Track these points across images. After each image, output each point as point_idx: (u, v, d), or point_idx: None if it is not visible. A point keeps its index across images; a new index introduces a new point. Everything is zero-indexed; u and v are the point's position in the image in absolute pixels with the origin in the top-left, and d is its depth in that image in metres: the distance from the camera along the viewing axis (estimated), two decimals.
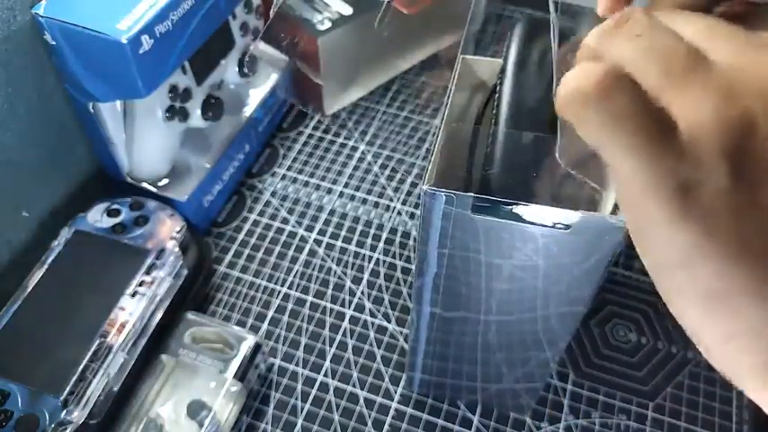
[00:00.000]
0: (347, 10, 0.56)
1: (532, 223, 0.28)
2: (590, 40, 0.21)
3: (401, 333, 0.48)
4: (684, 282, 0.20)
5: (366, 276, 0.51)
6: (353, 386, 0.45)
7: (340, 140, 0.59)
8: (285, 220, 0.54)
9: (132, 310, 0.40)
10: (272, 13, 0.53)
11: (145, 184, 0.50)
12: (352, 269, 0.51)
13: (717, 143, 0.18)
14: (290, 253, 0.52)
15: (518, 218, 0.28)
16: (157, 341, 0.42)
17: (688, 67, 0.19)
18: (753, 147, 0.18)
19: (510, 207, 0.28)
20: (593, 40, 0.21)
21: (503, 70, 0.32)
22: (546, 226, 0.28)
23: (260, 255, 0.52)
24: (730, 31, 0.20)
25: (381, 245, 0.52)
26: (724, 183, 0.18)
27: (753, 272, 0.18)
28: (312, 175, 0.57)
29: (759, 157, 0.18)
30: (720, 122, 0.18)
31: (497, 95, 0.31)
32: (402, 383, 0.45)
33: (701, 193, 0.18)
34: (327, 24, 0.55)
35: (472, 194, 0.27)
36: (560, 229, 0.28)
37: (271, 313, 0.49)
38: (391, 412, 0.44)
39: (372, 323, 0.48)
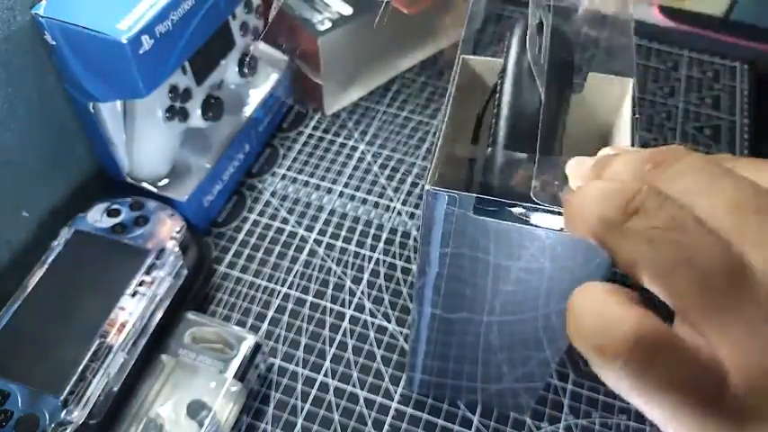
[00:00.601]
0: (347, 10, 0.56)
1: (536, 225, 0.28)
2: (588, 216, 0.17)
3: (401, 333, 0.48)
4: None
5: (366, 276, 0.51)
6: (353, 386, 0.45)
7: (340, 140, 0.59)
8: (285, 220, 0.54)
9: (132, 310, 0.40)
10: (272, 14, 0.53)
11: (145, 184, 0.50)
12: (352, 269, 0.51)
13: None
14: (290, 253, 0.52)
15: (520, 219, 0.28)
16: (157, 341, 0.42)
17: (729, 291, 0.15)
18: None
19: (512, 208, 0.28)
20: (594, 222, 0.17)
21: (503, 70, 0.32)
22: (549, 228, 0.28)
23: (260, 255, 0.52)
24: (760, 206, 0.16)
25: (381, 245, 0.52)
26: None
27: None
28: (312, 175, 0.57)
29: None
30: None
31: (498, 95, 0.31)
32: (402, 383, 0.45)
33: None
34: (327, 24, 0.55)
35: (475, 195, 0.27)
36: (561, 231, 0.28)
37: (271, 313, 0.49)
38: (391, 412, 0.44)
39: (372, 323, 0.48)
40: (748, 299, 0.15)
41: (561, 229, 0.28)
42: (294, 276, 0.51)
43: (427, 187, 0.28)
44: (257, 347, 0.43)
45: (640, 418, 0.44)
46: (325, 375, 0.46)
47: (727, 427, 0.15)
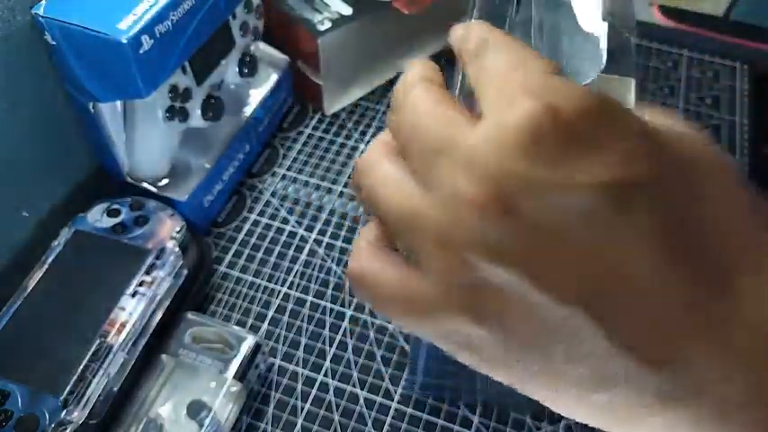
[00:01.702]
0: (347, 10, 0.56)
1: None
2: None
3: (401, 333, 0.48)
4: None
5: None
6: (353, 386, 0.45)
7: (340, 140, 0.59)
8: (285, 220, 0.54)
9: (132, 310, 0.40)
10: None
11: (145, 184, 0.50)
12: None
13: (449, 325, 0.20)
14: (290, 253, 0.52)
15: None
16: (157, 341, 0.42)
17: (436, 155, 0.20)
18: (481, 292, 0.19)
19: None
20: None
21: None
22: None
23: (260, 255, 0.52)
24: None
25: None
26: (478, 332, 0.20)
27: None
28: (312, 175, 0.57)
29: (492, 298, 0.19)
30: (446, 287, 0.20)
31: None
32: (402, 383, 0.45)
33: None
34: (327, 24, 0.55)
35: None
36: None
37: (271, 313, 0.49)
38: (391, 412, 0.44)
39: (372, 323, 0.48)
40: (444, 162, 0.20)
41: None
42: (294, 276, 0.51)
43: None
44: (257, 347, 0.43)
45: None
46: (326, 375, 0.46)
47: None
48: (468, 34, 0.22)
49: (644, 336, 0.18)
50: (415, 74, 0.22)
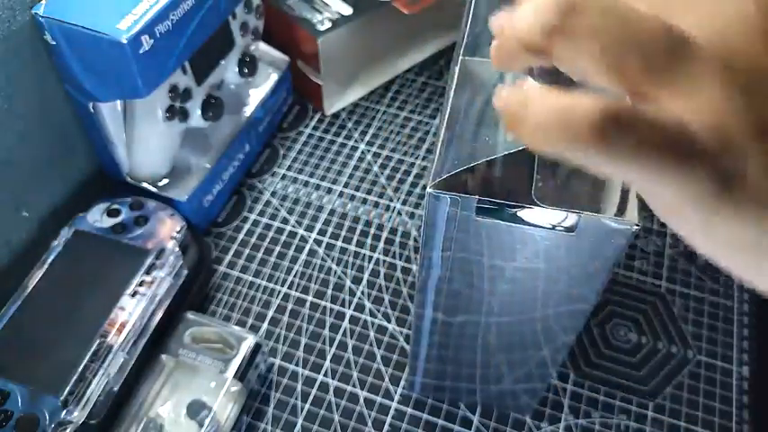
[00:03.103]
0: (347, 10, 0.56)
1: (536, 226, 0.28)
2: (528, 31, 0.18)
3: (401, 333, 0.48)
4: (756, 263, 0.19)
5: (366, 276, 0.51)
6: (353, 386, 0.45)
7: (340, 140, 0.59)
8: (285, 220, 0.54)
9: (132, 310, 0.40)
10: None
11: (145, 184, 0.50)
12: (352, 269, 0.51)
13: (741, 130, 0.16)
14: (290, 253, 0.52)
15: (521, 220, 0.28)
16: (157, 341, 0.42)
17: (672, 59, 0.17)
18: None
19: (514, 210, 0.28)
20: (536, 33, 0.17)
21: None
22: (549, 228, 0.28)
23: (260, 255, 0.52)
24: None
25: (381, 245, 0.52)
26: (762, 160, 0.17)
27: None
28: (312, 175, 0.57)
29: None
30: (733, 113, 0.16)
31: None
32: (402, 383, 0.45)
33: (744, 182, 0.17)
34: (327, 24, 0.55)
35: (477, 196, 0.27)
36: (564, 231, 0.28)
37: (271, 313, 0.49)
38: (391, 412, 0.44)
39: (372, 323, 0.48)
40: (690, 59, 0.17)
41: (565, 228, 0.28)
42: (294, 276, 0.51)
43: (429, 190, 0.28)
44: (257, 347, 0.43)
45: (640, 418, 0.44)
46: (326, 375, 0.46)
47: (700, 171, 0.17)
48: None
49: None
50: None
